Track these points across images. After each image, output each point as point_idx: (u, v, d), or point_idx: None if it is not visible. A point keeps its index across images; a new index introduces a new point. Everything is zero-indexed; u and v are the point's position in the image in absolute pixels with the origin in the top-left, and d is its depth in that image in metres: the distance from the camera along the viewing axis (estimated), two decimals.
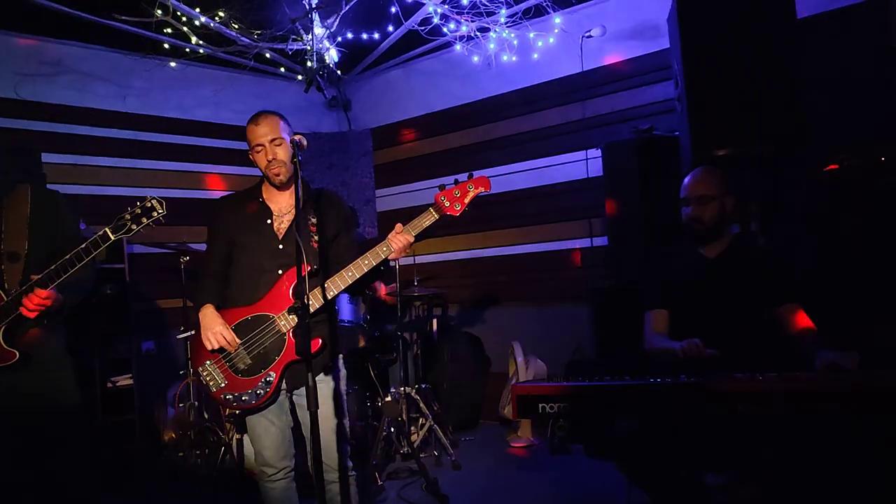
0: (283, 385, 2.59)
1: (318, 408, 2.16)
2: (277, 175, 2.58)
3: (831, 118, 3.76)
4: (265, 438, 2.63)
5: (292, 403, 2.69)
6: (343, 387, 2.70)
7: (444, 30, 5.02)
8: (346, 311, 4.49)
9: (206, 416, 4.46)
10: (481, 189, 2.53)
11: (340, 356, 2.74)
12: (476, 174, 2.54)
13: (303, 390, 2.46)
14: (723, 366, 2.35)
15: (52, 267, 2.33)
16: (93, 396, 4.50)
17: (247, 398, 2.54)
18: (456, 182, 2.53)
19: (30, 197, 2.50)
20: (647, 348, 2.77)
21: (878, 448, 2.13)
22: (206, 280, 2.70)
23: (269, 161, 2.55)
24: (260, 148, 2.57)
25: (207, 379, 2.58)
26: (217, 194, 5.63)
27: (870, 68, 3.82)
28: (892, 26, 3.75)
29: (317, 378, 2.48)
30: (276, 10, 4.70)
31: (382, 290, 5.19)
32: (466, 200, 2.52)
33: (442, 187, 2.53)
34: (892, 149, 3.35)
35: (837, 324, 2.68)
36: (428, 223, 2.50)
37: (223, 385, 2.56)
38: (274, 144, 2.56)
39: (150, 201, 2.37)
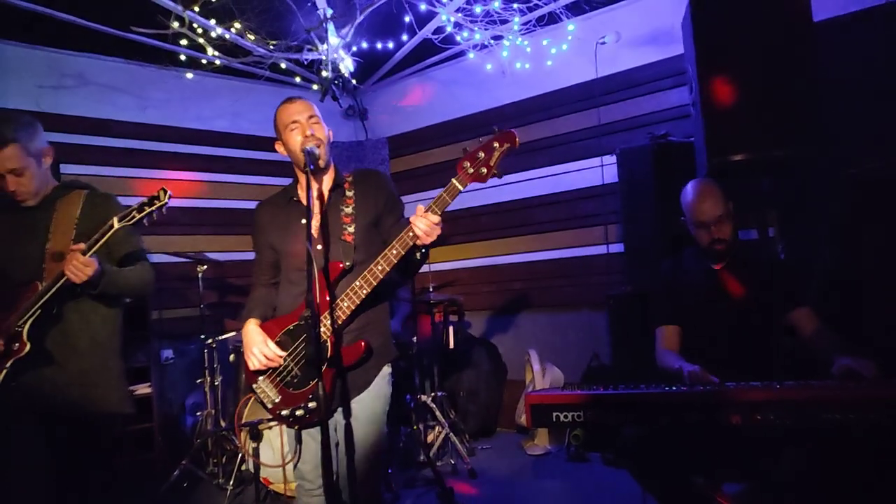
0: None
1: (350, 417, 1.98)
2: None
3: (852, 122, 3.71)
4: (305, 452, 2.42)
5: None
6: (382, 405, 2.42)
7: (458, 38, 5.04)
8: None
9: (222, 424, 4.49)
10: (508, 145, 2.16)
11: (387, 367, 2.47)
12: (499, 128, 2.18)
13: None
14: (738, 375, 2.33)
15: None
16: None
17: (301, 412, 2.31)
18: (479, 140, 2.17)
19: (82, 200, 2.59)
20: (658, 365, 2.75)
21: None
22: (252, 293, 2.55)
23: (307, 136, 2.32)
24: (295, 125, 2.34)
25: (262, 396, 2.38)
26: (235, 204, 5.70)
27: (892, 70, 3.76)
28: None
29: (362, 393, 2.34)
30: (292, 21, 4.73)
31: None
32: (493, 162, 2.15)
33: (465, 150, 2.18)
34: None
35: (858, 331, 2.65)
36: (452, 196, 2.16)
37: (277, 401, 2.35)
38: (311, 121, 2.34)
39: (158, 192, 2.34)
